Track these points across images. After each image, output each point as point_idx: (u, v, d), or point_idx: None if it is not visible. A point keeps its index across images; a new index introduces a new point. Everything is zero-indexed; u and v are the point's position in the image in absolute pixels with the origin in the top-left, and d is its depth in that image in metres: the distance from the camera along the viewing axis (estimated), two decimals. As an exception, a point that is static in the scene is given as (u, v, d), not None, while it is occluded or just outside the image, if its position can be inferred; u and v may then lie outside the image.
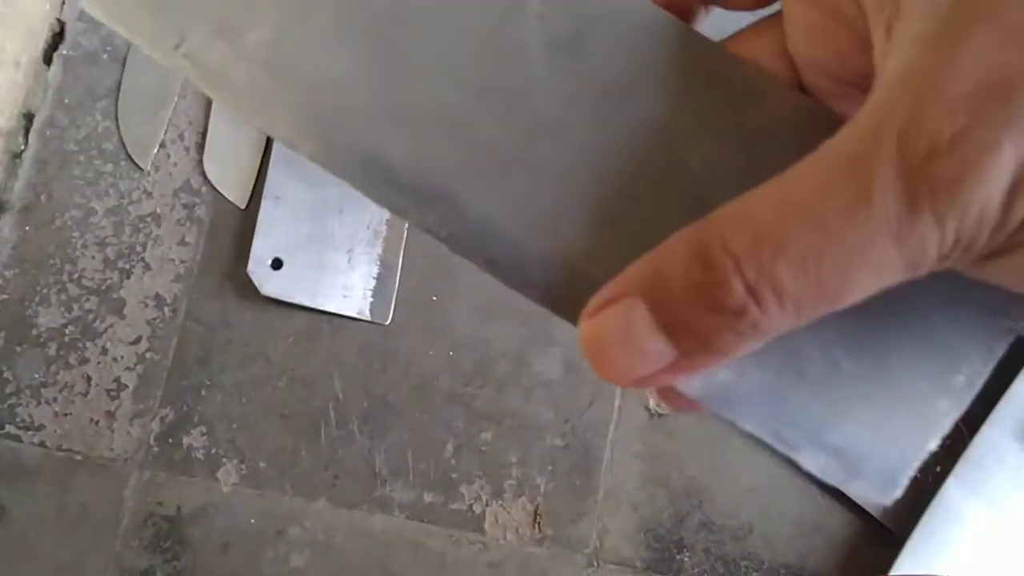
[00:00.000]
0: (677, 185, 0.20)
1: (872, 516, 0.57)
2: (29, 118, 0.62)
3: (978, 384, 0.21)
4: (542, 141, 0.21)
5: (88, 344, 0.58)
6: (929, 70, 0.16)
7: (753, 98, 0.21)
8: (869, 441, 0.20)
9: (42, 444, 0.57)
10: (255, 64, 0.22)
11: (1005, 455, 0.56)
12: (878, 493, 0.20)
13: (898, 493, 0.21)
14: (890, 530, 0.57)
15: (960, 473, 0.56)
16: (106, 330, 0.59)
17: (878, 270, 0.16)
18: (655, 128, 0.21)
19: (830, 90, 0.21)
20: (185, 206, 0.60)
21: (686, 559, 0.57)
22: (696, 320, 0.17)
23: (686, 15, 0.23)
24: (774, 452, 0.58)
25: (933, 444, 0.21)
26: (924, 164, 0.15)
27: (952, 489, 0.56)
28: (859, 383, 0.20)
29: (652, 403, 0.59)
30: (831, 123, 0.18)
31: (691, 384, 0.20)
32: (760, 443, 0.52)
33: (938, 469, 0.57)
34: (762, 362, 0.20)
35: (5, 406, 0.57)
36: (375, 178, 0.22)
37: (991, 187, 0.15)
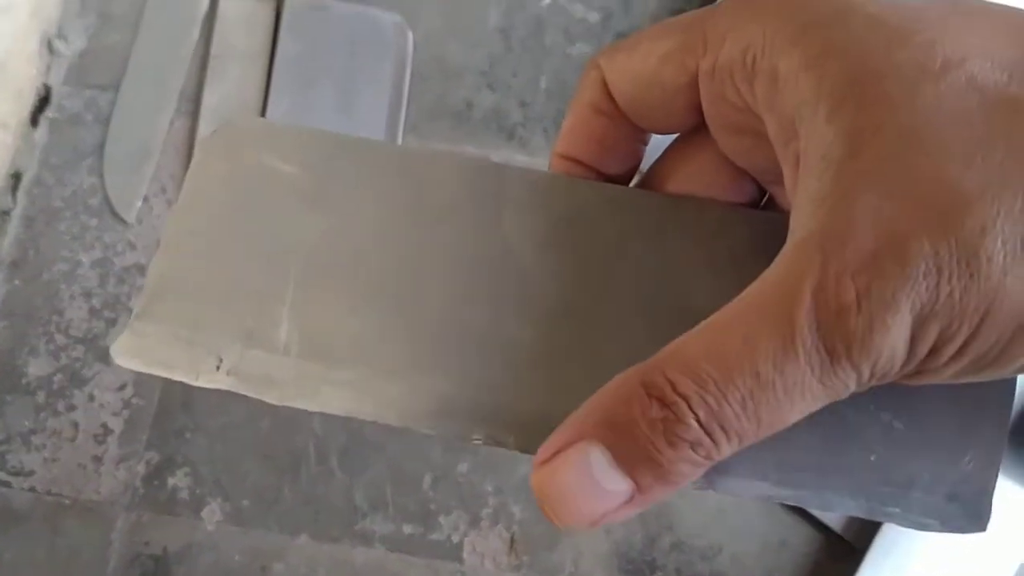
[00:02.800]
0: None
1: (834, 531, 0.60)
2: (17, 177, 0.64)
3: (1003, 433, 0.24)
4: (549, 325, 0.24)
5: (75, 391, 0.61)
6: (830, 234, 0.18)
7: (722, 231, 0.24)
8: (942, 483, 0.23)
9: (32, 489, 0.59)
10: (293, 357, 0.24)
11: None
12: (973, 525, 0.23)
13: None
14: (850, 543, 0.59)
15: (915, 487, 0.59)
16: (93, 377, 0.61)
17: (807, 404, 0.19)
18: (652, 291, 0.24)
19: (776, 180, 0.23)
20: (168, 256, 0.63)
21: (658, 580, 0.59)
22: (658, 454, 0.19)
23: (630, 158, 0.25)
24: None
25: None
26: (837, 321, 0.18)
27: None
28: (908, 441, 0.23)
29: (620, 431, 0.62)
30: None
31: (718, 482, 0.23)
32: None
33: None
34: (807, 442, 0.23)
35: (-5, 454, 0.59)
36: (437, 413, 0.23)
37: (895, 337, 0.18)
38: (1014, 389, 0.24)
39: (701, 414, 0.19)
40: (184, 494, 0.59)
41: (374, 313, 0.24)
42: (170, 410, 0.60)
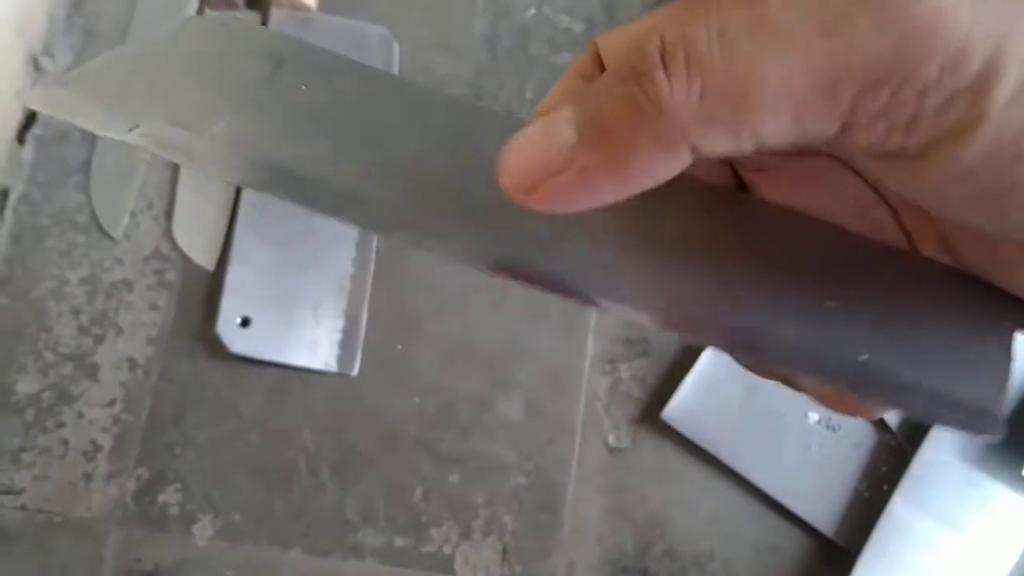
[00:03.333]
0: None
1: (825, 535, 0.60)
2: (4, 195, 0.64)
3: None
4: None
5: (64, 408, 0.60)
6: None
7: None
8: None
9: (23, 507, 0.59)
10: (218, 144, 0.24)
11: (947, 471, 0.59)
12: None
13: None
14: (842, 547, 0.59)
15: (904, 490, 0.59)
16: (81, 394, 0.61)
17: (786, 82, 0.18)
18: None
19: None
20: (155, 272, 0.63)
21: (651, 588, 0.59)
22: (613, 111, 0.18)
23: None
24: (731, 478, 0.61)
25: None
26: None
27: (899, 505, 0.59)
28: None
29: (611, 439, 0.62)
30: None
31: None
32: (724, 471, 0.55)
33: (885, 487, 0.60)
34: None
35: (-15, 473, 0.59)
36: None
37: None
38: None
39: (669, 38, 0.18)
40: (175, 510, 0.59)
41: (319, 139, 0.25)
42: (160, 425, 0.60)
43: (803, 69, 0.18)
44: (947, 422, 0.24)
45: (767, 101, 0.18)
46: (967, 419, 0.23)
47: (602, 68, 0.24)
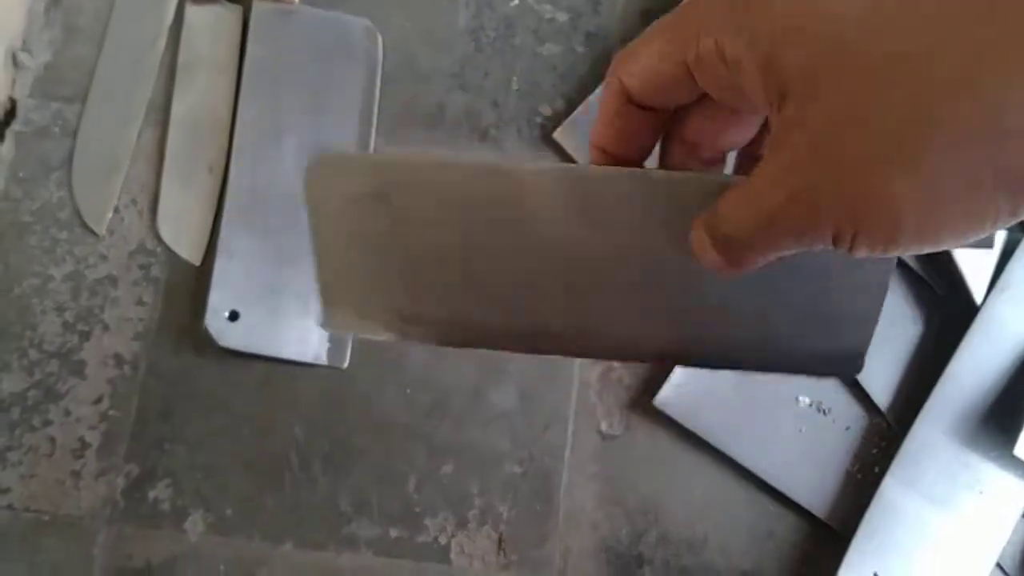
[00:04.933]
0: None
1: (819, 519, 0.60)
2: (-16, 192, 0.63)
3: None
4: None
5: (51, 406, 0.60)
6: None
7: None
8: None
9: (9, 507, 0.58)
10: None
11: (938, 451, 0.60)
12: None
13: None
14: (835, 530, 0.60)
15: (896, 471, 0.59)
16: (68, 391, 0.60)
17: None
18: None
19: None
20: (141, 267, 0.62)
21: (646, 573, 0.59)
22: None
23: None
24: (725, 462, 0.61)
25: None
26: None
27: (890, 486, 0.59)
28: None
29: (604, 426, 0.62)
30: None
31: None
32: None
33: (876, 469, 0.61)
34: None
35: (-30, 473, 0.58)
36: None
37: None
38: (891, 269, 0.32)
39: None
40: (166, 506, 0.58)
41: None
42: (148, 421, 0.60)
43: None
44: (819, 374, 0.34)
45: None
46: (838, 367, 0.33)
47: (628, 99, 0.30)
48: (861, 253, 0.25)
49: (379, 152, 0.56)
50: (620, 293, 0.32)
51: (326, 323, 0.34)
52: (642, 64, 0.29)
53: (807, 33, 0.24)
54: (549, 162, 0.65)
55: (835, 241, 0.25)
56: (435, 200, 0.32)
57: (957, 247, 0.27)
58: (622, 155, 0.32)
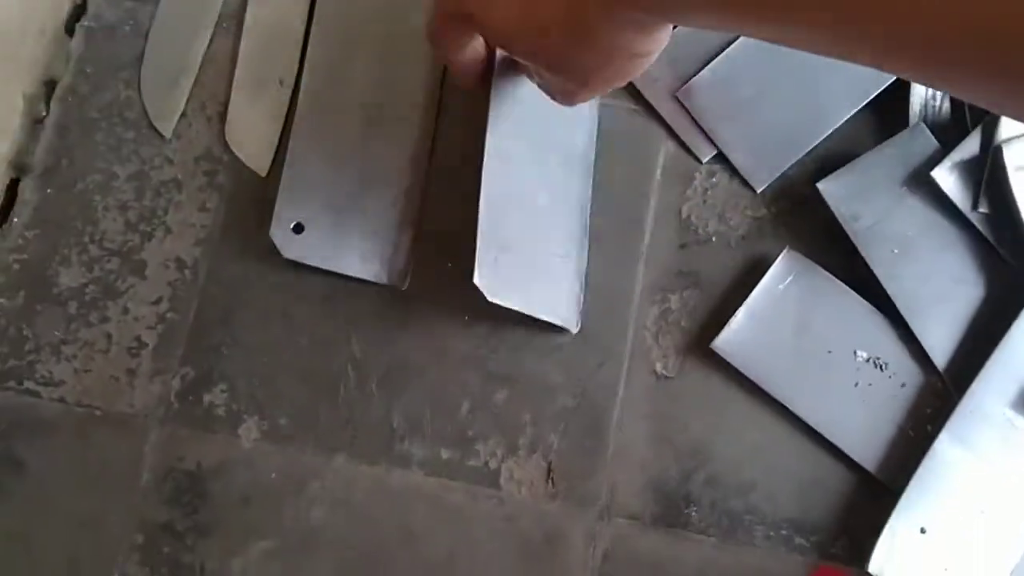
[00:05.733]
0: None
1: (868, 472, 0.60)
2: (51, 85, 0.63)
3: None
4: None
5: (109, 303, 0.59)
6: None
7: None
8: None
9: (61, 400, 0.58)
10: None
11: (993, 415, 0.60)
12: None
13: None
14: (884, 484, 0.60)
15: (951, 429, 0.59)
16: (127, 290, 0.59)
17: None
18: None
19: None
20: (206, 173, 0.62)
21: (693, 513, 0.59)
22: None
23: None
24: (777, 411, 0.61)
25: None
26: None
27: (944, 444, 0.59)
28: None
29: (659, 366, 0.61)
30: None
31: None
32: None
33: (929, 428, 0.61)
34: None
35: (24, 363, 0.58)
36: None
37: None
38: None
39: None
40: (221, 410, 0.58)
41: None
42: (207, 325, 0.59)
43: None
44: None
45: None
46: None
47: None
48: (488, 35, 0.44)
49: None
50: None
51: None
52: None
53: None
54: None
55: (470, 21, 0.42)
56: None
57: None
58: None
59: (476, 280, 0.56)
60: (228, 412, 0.58)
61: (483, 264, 0.57)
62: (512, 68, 0.54)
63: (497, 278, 0.58)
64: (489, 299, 0.56)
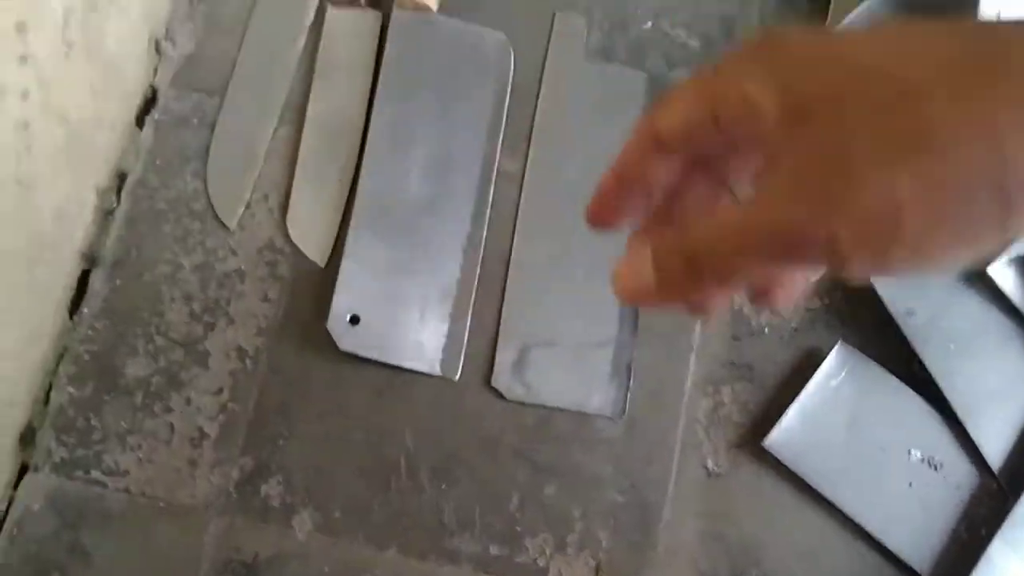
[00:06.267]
0: None
1: (920, 575, 0.59)
2: (122, 178, 0.65)
3: None
4: None
5: (173, 394, 0.61)
6: None
7: None
8: None
9: (126, 490, 0.60)
10: None
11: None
12: None
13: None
14: (940, 590, 0.59)
15: (1005, 534, 0.58)
16: (190, 380, 0.61)
17: None
18: None
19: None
20: (268, 264, 0.63)
21: (743, 614, 0.59)
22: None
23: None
24: (829, 511, 0.60)
25: None
26: None
27: (998, 550, 0.58)
28: None
29: (710, 462, 0.62)
30: None
31: None
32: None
33: (983, 531, 0.60)
34: None
35: (92, 452, 0.60)
36: None
37: None
38: None
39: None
40: (276, 502, 0.60)
41: None
42: (266, 416, 0.61)
43: None
44: None
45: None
46: None
47: (659, 142, 0.31)
48: (852, 269, 0.26)
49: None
50: None
51: None
52: (673, 108, 0.30)
53: (831, 63, 0.26)
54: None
55: (827, 250, 0.25)
56: None
57: (947, 269, 0.29)
58: (635, 182, 0.32)
59: (494, 383, 0.58)
60: (283, 504, 0.60)
61: (502, 365, 0.61)
62: None
63: (520, 376, 0.61)
64: (508, 399, 0.58)
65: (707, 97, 0.29)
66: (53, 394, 0.61)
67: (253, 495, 0.60)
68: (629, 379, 0.63)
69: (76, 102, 0.58)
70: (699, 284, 0.29)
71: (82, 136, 0.61)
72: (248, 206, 0.64)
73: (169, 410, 0.61)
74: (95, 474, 0.60)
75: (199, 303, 0.63)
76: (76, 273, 0.63)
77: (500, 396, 0.62)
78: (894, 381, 0.62)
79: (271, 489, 0.60)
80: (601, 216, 0.33)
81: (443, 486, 0.60)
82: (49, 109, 0.54)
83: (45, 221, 0.58)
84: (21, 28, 0.50)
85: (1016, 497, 0.59)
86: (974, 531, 0.60)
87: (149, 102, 0.67)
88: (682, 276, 0.29)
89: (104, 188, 0.64)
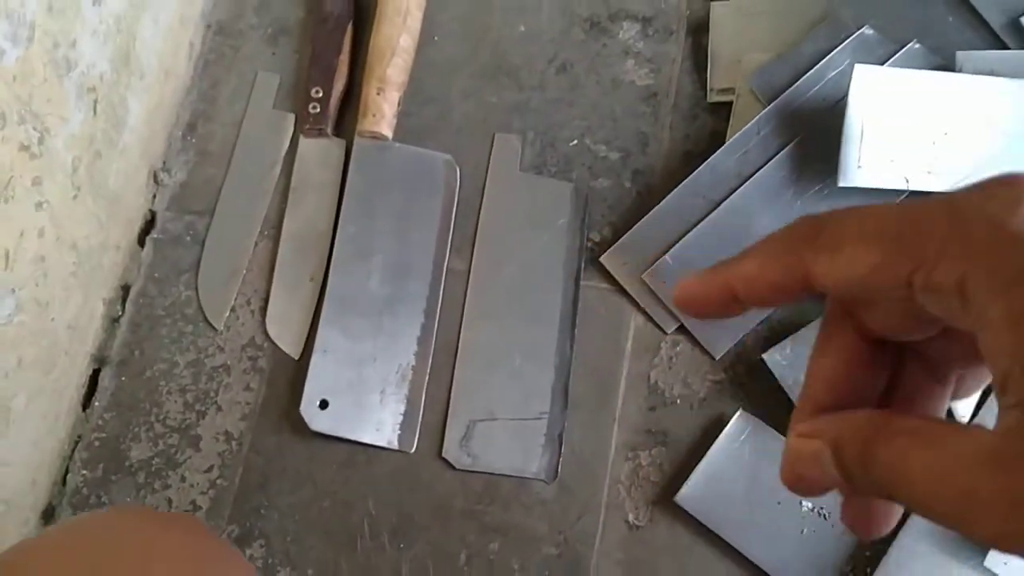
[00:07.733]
0: None
1: (814, 611, 0.69)
2: (126, 289, 0.77)
3: None
4: None
5: (170, 473, 0.72)
6: None
7: None
8: None
9: (132, 556, 0.70)
10: None
11: (920, 558, 0.68)
12: None
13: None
14: (829, 622, 0.68)
15: (883, 573, 0.68)
16: (185, 461, 0.72)
17: None
18: None
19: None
20: (250, 358, 0.75)
21: (661, 649, 0.69)
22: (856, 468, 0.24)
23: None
24: (737, 560, 0.70)
25: None
26: None
27: (879, 587, 0.68)
28: None
29: (631, 517, 0.72)
30: None
31: None
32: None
33: (868, 570, 0.69)
34: None
35: (102, 524, 0.71)
36: None
37: None
38: None
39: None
40: (260, 563, 0.70)
41: None
42: (249, 490, 0.71)
43: None
44: None
45: None
46: None
47: (863, 334, 0.28)
48: None
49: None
50: None
51: None
52: (844, 266, 0.24)
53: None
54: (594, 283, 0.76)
55: None
56: None
57: None
58: (846, 394, 0.29)
59: (444, 454, 0.69)
60: (265, 565, 0.70)
61: (451, 438, 0.72)
62: None
63: (467, 448, 0.72)
64: (457, 468, 0.69)
65: (904, 261, 0.23)
66: (69, 477, 0.72)
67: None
68: (561, 447, 0.73)
69: (84, 233, 0.70)
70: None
71: (90, 259, 0.73)
72: (233, 309, 0.76)
73: (168, 487, 0.72)
74: (105, 544, 0.70)
75: (192, 394, 0.74)
76: (88, 372, 0.74)
77: (450, 466, 0.72)
78: (789, 442, 0.72)
79: (255, 552, 0.70)
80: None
81: (401, 546, 0.71)
82: (62, 241, 0.67)
83: (60, 332, 0.69)
84: (37, 182, 0.62)
85: (889, 543, 0.69)
86: (860, 570, 0.70)
87: (148, 224, 0.79)
88: (832, 485, 0.26)
89: (110, 299, 0.76)
